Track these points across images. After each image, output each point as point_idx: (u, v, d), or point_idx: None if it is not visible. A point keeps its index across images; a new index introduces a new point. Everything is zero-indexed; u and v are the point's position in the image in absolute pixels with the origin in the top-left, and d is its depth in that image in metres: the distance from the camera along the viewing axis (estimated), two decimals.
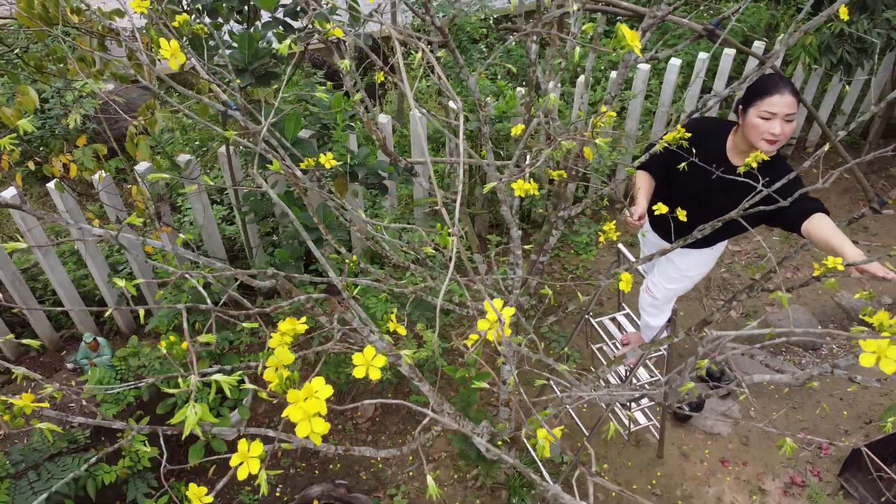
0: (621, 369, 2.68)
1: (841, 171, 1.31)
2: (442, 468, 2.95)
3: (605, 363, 2.73)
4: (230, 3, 2.32)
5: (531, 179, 1.86)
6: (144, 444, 1.06)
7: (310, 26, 1.13)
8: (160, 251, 2.76)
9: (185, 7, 2.32)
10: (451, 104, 2.50)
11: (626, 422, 2.76)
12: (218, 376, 0.86)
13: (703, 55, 3.94)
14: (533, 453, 2.93)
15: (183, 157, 2.81)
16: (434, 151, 4.16)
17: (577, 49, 1.21)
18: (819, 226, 1.76)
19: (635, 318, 2.78)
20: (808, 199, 1.82)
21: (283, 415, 0.67)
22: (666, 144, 1.61)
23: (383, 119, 3.14)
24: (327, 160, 1.51)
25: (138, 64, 2.26)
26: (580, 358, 3.27)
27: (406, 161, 1.79)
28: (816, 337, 3.63)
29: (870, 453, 2.76)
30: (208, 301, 1.10)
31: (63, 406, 2.79)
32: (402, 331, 1.11)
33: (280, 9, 2.24)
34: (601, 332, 2.75)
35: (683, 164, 1.54)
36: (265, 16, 2.40)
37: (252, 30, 2.39)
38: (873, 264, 1.58)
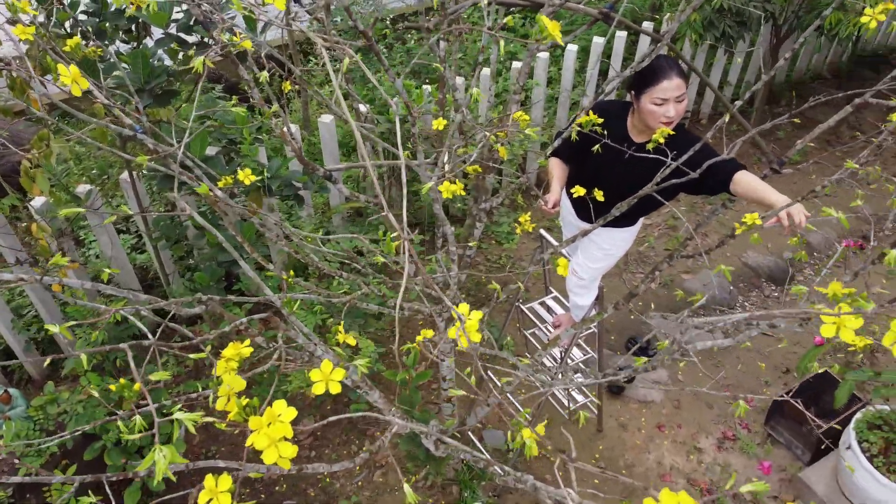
0: (556, 351, 2.73)
1: (745, 139, 1.38)
2: (390, 472, 2.93)
3: (539, 347, 2.78)
4: (118, 22, 2.21)
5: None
6: (88, 495, 0.99)
7: (217, 39, 1.08)
8: (69, 290, 2.61)
9: (68, 30, 2.20)
10: (361, 107, 2.48)
11: (566, 401, 2.83)
12: (180, 414, 0.82)
13: (598, 39, 4.07)
14: (479, 445, 2.96)
15: (82, 188, 2.66)
16: (345, 157, 4.12)
17: (502, 43, 1.23)
18: (746, 182, 1.88)
19: (563, 300, 2.85)
20: (726, 162, 1.92)
21: (248, 443, 0.64)
22: (578, 128, 1.66)
23: (293, 128, 3.08)
24: (246, 176, 1.47)
25: (21, 93, 2.12)
26: (513, 345, 3.32)
27: (324, 169, 1.76)
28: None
29: (791, 400, 2.94)
30: (150, 336, 1.04)
31: None
32: (352, 341, 1.09)
33: (172, 24, 2.15)
34: (532, 318, 2.80)
35: (597, 147, 1.59)
36: (156, 33, 2.30)
37: (141, 48, 2.28)
38: (795, 206, 1.67)
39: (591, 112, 1.70)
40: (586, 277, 2.50)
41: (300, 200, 2.96)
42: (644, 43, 4.41)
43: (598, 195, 1.70)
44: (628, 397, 3.27)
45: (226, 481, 0.71)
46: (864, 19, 1.13)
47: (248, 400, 0.85)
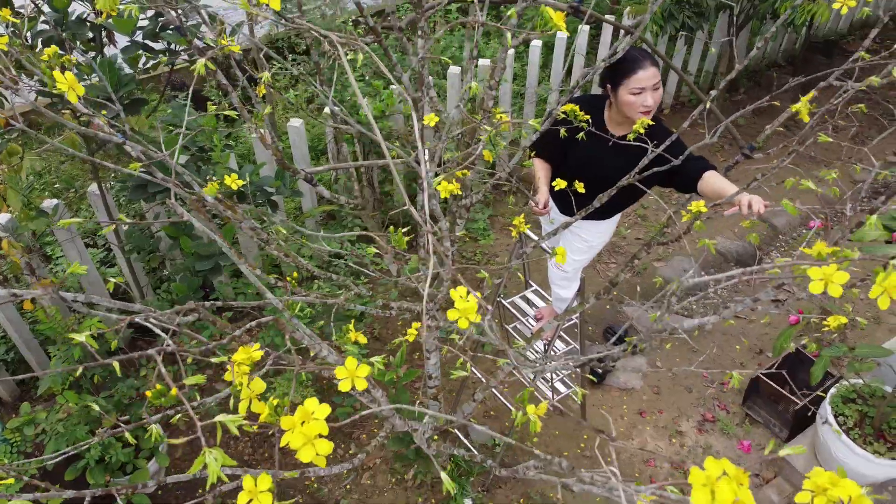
0: (538, 344, 2.76)
1: (720, 128, 1.41)
2: (378, 474, 2.92)
3: (522, 341, 2.80)
4: (79, 31, 2.17)
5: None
6: None
7: (208, 43, 1.07)
8: (40, 307, 2.55)
9: (29, 41, 2.15)
10: (331, 108, 2.46)
11: (550, 394, 2.85)
12: (222, 416, 0.80)
13: (561, 34, 4.11)
14: (466, 441, 2.97)
15: (49, 203, 2.59)
16: (314, 160, 4.09)
17: (508, 35, 1.23)
18: (712, 181, 1.95)
19: (543, 293, 2.88)
20: (698, 160, 1.99)
21: (283, 443, 0.64)
22: (562, 116, 1.68)
23: (266, 133, 3.04)
24: (233, 181, 1.45)
25: None
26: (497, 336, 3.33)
27: (305, 171, 1.75)
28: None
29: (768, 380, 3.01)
30: (169, 342, 1.02)
31: None
32: (363, 339, 1.09)
33: (138, 31, 2.12)
34: (514, 312, 2.82)
35: (581, 134, 1.62)
36: (121, 40, 2.26)
37: (106, 57, 2.23)
38: (754, 196, 1.72)
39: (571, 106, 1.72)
40: (569, 270, 2.53)
41: (274, 206, 2.94)
42: (607, 36, 4.47)
43: (579, 188, 1.73)
44: (609, 386, 3.31)
45: (266, 481, 0.70)
46: (835, 5, 1.16)
47: (277, 400, 0.84)
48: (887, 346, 2.49)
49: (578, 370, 2.87)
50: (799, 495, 0.62)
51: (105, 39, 2.22)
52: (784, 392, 2.97)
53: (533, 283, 2.86)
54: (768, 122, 5.22)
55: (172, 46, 2.17)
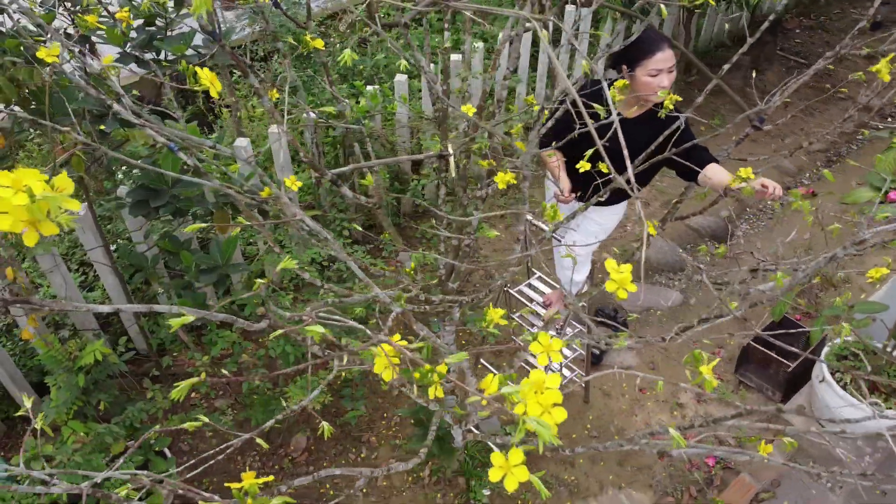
0: (551, 331, 2.80)
1: (746, 115, 1.46)
2: (394, 474, 2.91)
3: (534, 326, 2.83)
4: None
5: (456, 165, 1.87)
6: None
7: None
8: (38, 337, 2.45)
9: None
10: (311, 114, 2.44)
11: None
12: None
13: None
14: (479, 433, 2.98)
15: None
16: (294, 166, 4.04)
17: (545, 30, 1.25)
18: (714, 173, 2.01)
19: (547, 279, 2.92)
20: (703, 151, 2.05)
21: (518, 410, 0.64)
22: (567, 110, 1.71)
23: (244, 142, 2.99)
24: (292, 182, 1.44)
25: None
26: (499, 331, 3.36)
27: (331, 172, 1.73)
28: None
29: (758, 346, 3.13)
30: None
31: None
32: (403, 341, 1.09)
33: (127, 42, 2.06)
34: (522, 300, 2.85)
35: (600, 109, 1.64)
36: (104, 51, 2.19)
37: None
38: (766, 181, 1.80)
39: (579, 91, 1.75)
40: (583, 254, 2.58)
41: (265, 214, 2.89)
42: (568, 23, 4.54)
43: (603, 167, 1.77)
44: (606, 366, 3.38)
45: (517, 455, 0.71)
46: None
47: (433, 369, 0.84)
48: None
49: (583, 354, 2.93)
50: None
51: (89, 53, 2.14)
52: (774, 356, 3.09)
53: (536, 271, 2.90)
54: (722, 102, 5.36)
55: (165, 56, 2.12)
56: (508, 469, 0.71)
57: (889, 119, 5.32)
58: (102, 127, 1.92)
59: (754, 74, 5.39)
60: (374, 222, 3.94)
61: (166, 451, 2.64)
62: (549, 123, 1.80)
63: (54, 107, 1.88)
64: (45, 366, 2.66)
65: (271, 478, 0.99)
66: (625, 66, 2.13)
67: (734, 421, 1.52)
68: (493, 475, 0.71)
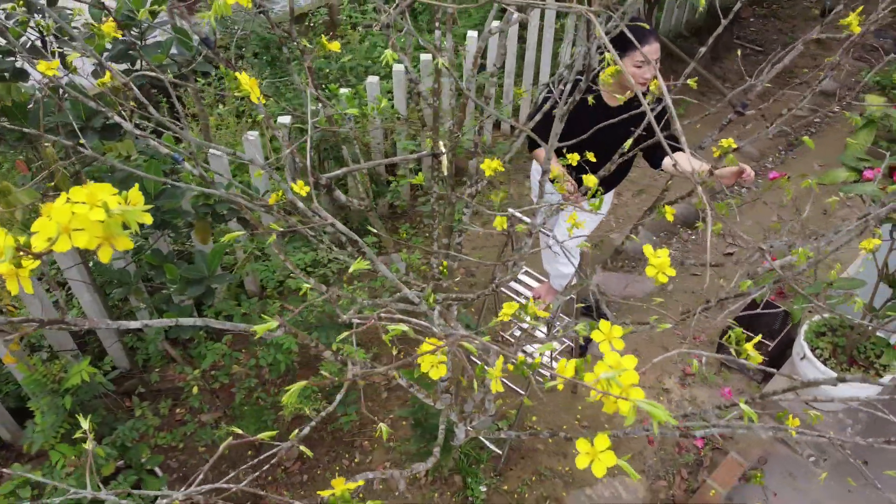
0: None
1: (726, 98, 1.50)
2: (390, 476, 2.90)
3: (526, 321, 2.84)
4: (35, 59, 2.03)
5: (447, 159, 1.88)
6: None
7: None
8: (20, 361, 2.38)
9: None
10: (286, 119, 2.42)
11: (546, 372, 2.92)
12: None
13: (496, 23, 4.18)
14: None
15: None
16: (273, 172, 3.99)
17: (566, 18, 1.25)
18: (680, 161, 2.07)
19: (534, 273, 2.94)
20: (670, 138, 2.11)
21: (609, 411, 0.64)
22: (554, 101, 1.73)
23: (217, 152, 2.95)
24: (300, 188, 1.42)
25: None
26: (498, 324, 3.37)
27: (325, 177, 1.72)
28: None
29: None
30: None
31: None
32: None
33: (105, 52, 2.01)
34: (511, 295, 2.87)
35: (589, 97, 1.67)
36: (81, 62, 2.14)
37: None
38: (743, 166, 1.85)
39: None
40: (571, 246, 2.60)
41: (245, 223, 2.86)
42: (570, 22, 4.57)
43: (590, 156, 1.80)
44: (591, 355, 3.42)
45: (603, 440, 0.71)
46: None
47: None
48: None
49: (573, 346, 2.96)
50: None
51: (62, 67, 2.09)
52: (753, 336, 3.16)
53: (523, 265, 2.92)
54: (687, 90, 5.40)
55: (140, 65, 2.08)
56: (595, 455, 0.72)
57: (843, 102, 5.50)
58: (82, 141, 1.87)
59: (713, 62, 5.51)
60: (352, 225, 3.92)
61: (157, 469, 2.59)
62: (538, 117, 1.82)
63: (30, 123, 1.83)
64: (22, 390, 2.59)
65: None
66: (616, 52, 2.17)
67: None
68: (581, 462, 0.72)
